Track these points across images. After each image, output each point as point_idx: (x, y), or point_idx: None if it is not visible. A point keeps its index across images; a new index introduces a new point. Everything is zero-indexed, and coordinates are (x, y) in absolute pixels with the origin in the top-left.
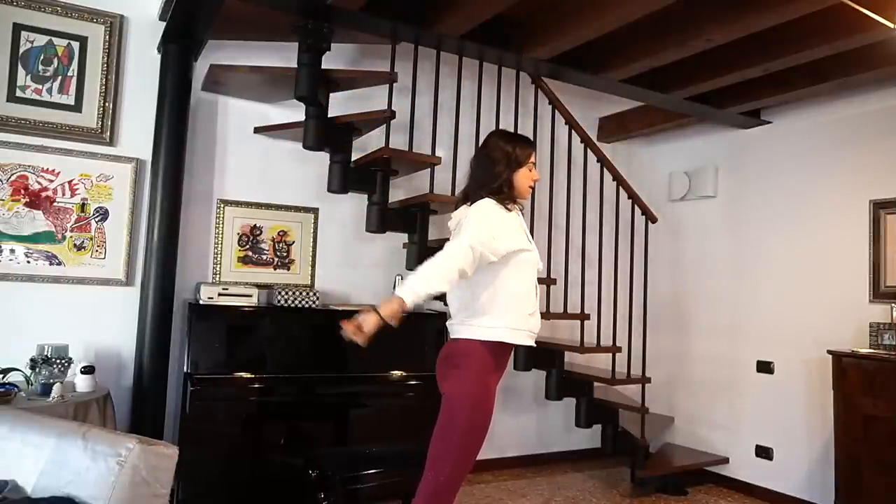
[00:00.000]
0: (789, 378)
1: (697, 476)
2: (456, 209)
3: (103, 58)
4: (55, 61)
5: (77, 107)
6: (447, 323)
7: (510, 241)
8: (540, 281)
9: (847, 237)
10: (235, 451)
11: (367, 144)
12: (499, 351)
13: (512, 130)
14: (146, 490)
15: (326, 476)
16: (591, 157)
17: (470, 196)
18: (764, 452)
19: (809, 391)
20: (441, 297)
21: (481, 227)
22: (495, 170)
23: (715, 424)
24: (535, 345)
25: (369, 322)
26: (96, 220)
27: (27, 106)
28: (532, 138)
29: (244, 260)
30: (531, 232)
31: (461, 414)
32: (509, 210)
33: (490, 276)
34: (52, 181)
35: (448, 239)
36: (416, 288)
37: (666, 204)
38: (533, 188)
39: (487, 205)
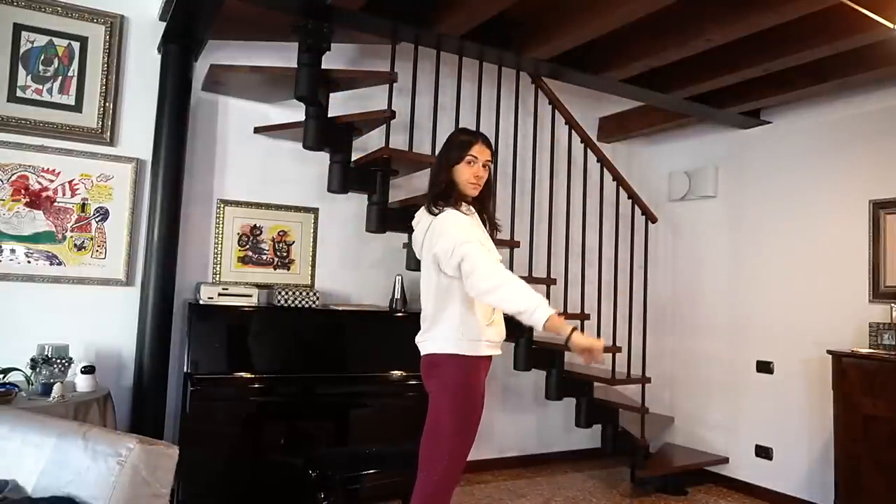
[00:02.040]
0: (789, 378)
1: (697, 476)
2: (418, 211)
3: (103, 58)
4: (55, 61)
5: (77, 107)
6: (416, 339)
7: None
8: (540, 281)
9: (847, 237)
10: (235, 451)
11: (367, 144)
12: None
13: (470, 128)
14: (146, 490)
15: (326, 476)
16: (591, 157)
17: (427, 202)
18: (764, 452)
19: (809, 391)
20: None
21: (468, 236)
22: (436, 169)
23: (715, 424)
24: (499, 352)
25: (581, 337)
26: (96, 220)
27: (27, 106)
28: (532, 138)
29: (244, 260)
30: (531, 230)
31: (448, 413)
32: (467, 214)
33: (447, 287)
34: (52, 181)
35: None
36: (531, 298)
37: (666, 204)
38: (478, 185)
39: (451, 216)
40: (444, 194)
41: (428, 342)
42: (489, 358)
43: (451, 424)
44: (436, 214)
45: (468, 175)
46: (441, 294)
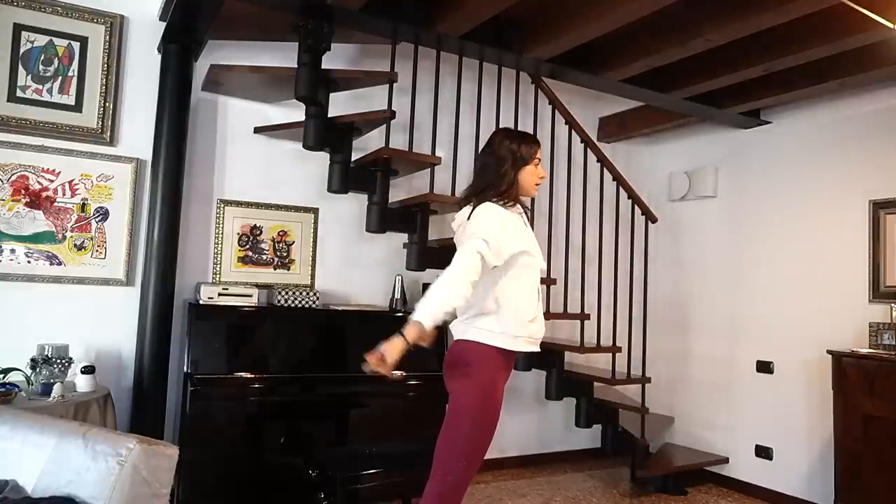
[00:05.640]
0: (789, 378)
1: (697, 476)
2: (459, 209)
3: (103, 58)
4: (56, 61)
5: (77, 107)
6: (451, 325)
7: (513, 244)
8: (540, 281)
9: (847, 237)
10: (236, 451)
11: (367, 144)
12: (501, 354)
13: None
14: (146, 490)
15: (327, 476)
16: (591, 157)
17: (475, 196)
18: (764, 452)
19: (809, 391)
20: None
21: (488, 233)
22: (502, 169)
23: (715, 424)
24: (538, 349)
25: (395, 349)
26: (96, 220)
27: (28, 106)
28: None
29: (244, 260)
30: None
31: (468, 415)
32: (511, 212)
33: (491, 280)
34: (52, 181)
35: (450, 239)
36: (432, 310)
37: (666, 204)
38: (539, 185)
39: (491, 209)
40: (507, 194)
41: (468, 328)
42: (515, 357)
43: (471, 427)
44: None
45: (534, 178)
46: (488, 282)
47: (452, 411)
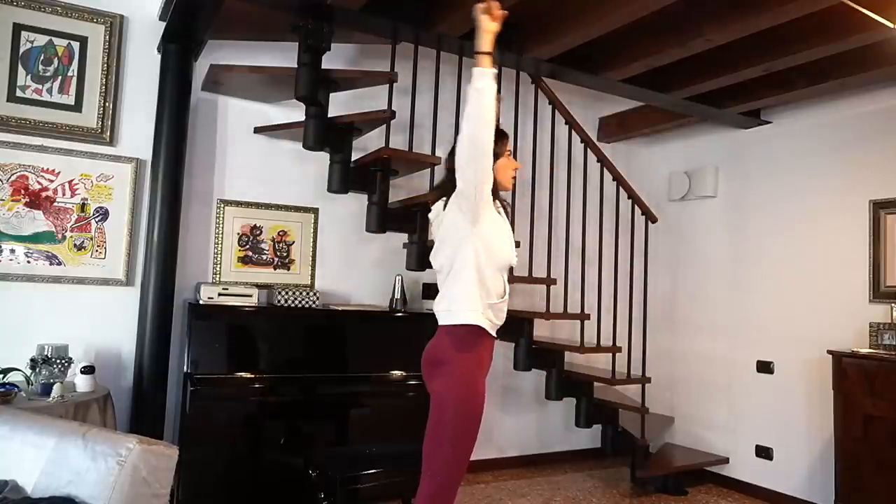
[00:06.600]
0: (789, 378)
1: (697, 476)
2: (431, 204)
3: (103, 58)
4: (55, 61)
5: (77, 107)
6: (434, 307)
7: (489, 217)
8: (540, 281)
9: (847, 237)
10: (235, 451)
11: (367, 144)
12: (473, 336)
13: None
14: (146, 490)
15: (327, 476)
16: (591, 157)
17: (451, 192)
18: (764, 452)
19: (809, 391)
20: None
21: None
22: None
23: (715, 424)
24: (495, 336)
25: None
26: (96, 220)
27: (27, 106)
28: (532, 138)
29: (244, 260)
30: (531, 230)
31: (450, 412)
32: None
33: (457, 262)
34: (52, 181)
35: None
36: (489, 75)
37: (666, 204)
38: (514, 178)
39: None
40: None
41: (443, 314)
42: (492, 345)
43: (456, 425)
44: None
45: (508, 170)
46: (455, 264)
47: (435, 408)
